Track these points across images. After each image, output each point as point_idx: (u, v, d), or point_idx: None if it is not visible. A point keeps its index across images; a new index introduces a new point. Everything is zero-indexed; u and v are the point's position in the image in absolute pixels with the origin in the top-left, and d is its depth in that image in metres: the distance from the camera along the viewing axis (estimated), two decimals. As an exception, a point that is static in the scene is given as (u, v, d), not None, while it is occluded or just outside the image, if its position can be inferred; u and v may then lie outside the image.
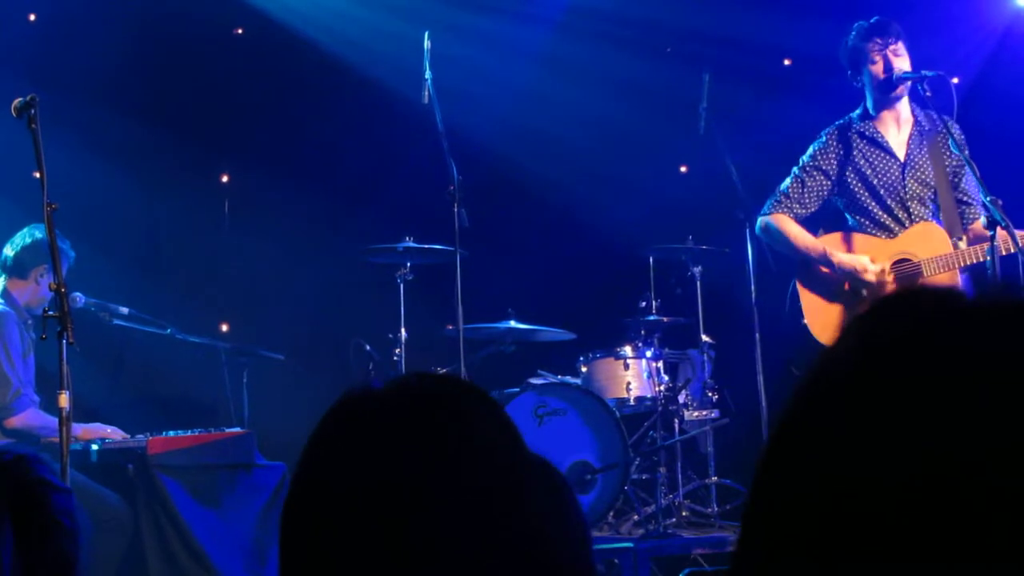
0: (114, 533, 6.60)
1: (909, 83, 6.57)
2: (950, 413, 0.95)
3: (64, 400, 5.05)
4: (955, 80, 6.57)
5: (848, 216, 6.83)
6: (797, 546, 0.99)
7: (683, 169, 10.21)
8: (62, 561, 2.14)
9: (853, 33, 6.68)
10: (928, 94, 6.43)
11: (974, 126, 6.89)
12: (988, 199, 5.98)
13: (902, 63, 6.56)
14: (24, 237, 7.05)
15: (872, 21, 6.64)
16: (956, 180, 6.73)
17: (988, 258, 6.01)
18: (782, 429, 1.05)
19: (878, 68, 6.58)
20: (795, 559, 0.99)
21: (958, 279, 6.40)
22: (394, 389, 1.66)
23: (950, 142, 6.48)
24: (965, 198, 6.71)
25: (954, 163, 6.70)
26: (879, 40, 6.57)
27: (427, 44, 7.24)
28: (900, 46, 6.57)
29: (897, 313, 1.04)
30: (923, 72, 6.48)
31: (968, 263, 6.38)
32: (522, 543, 1.55)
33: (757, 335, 7.30)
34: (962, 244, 6.47)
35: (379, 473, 1.56)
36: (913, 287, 1.07)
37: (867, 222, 6.71)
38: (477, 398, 1.67)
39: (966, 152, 6.40)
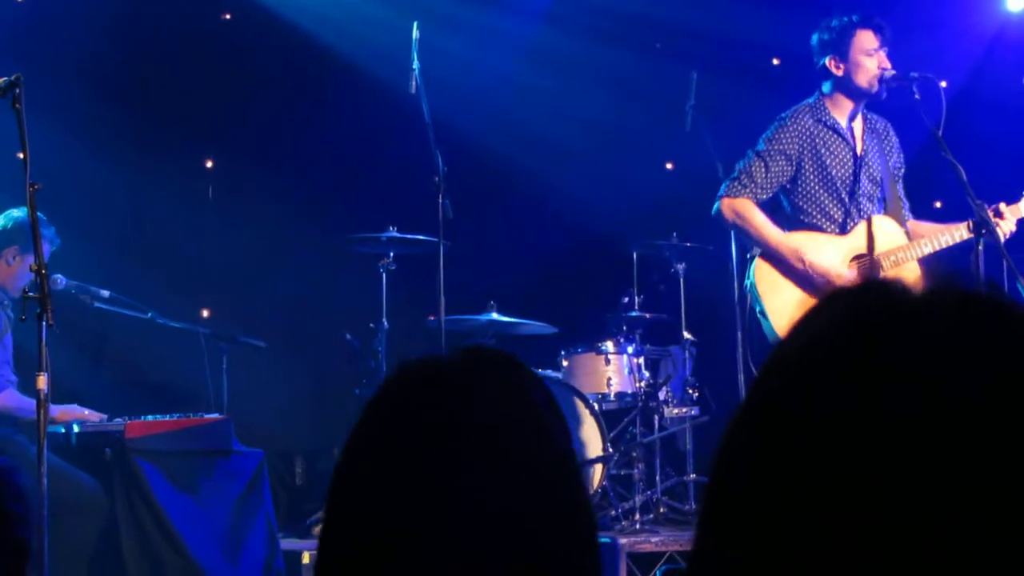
0: (89, 517, 6.58)
1: (896, 84, 6.54)
2: (894, 423, 0.94)
3: (42, 382, 5.03)
4: (943, 84, 6.56)
5: (787, 204, 6.68)
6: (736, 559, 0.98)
7: (669, 166, 10.20)
8: (15, 548, 2.12)
9: (853, 17, 6.55)
10: (917, 96, 6.40)
11: (961, 130, 6.89)
12: (977, 203, 5.99)
13: (887, 65, 6.55)
14: (-1, 219, 7.05)
15: (872, 15, 6.57)
16: (895, 182, 6.75)
17: (972, 267, 6.02)
18: (733, 430, 1.04)
19: (872, 63, 6.51)
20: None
21: (919, 271, 6.39)
22: (461, 367, 1.63)
23: (896, 148, 6.55)
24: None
25: (895, 164, 6.72)
26: (880, 36, 6.51)
27: (415, 34, 7.23)
28: (886, 49, 6.56)
29: (842, 313, 1.03)
30: (912, 74, 6.46)
31: (924, 255, 6.37)
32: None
33: (739, 333, 7.28)
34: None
35: (432, 458, 1.54)
36: (861, 284, 1.06)
37: (815, 212, 6.57)
38: (542, 392, 1.64)
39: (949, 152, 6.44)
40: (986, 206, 6.06)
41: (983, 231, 6.00)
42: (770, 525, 0.96)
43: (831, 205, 6.57)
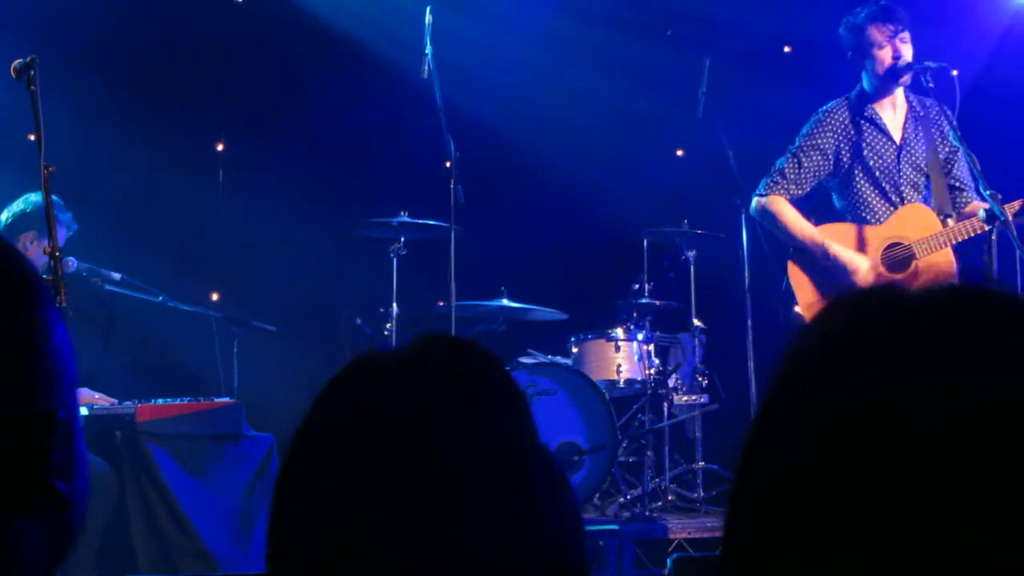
0: (99, 499, 6.58)
1: (911, 72, 6.54)
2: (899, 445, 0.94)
3: (53, 364, 5.03)
4: (955, 72, 6.55)
5: (836, 198, 6.77)
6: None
7: (680, 153, 10.19)
8: (67, 527, 2.12)
9: (862, 14, 6.60)
10: (930, 85, 6.41)
11: (974, 120, 6.87)
12: (988, 193, 5.97)
13: (907, 51, 6.54)
14: (18, 203, 7.06)
15: (882, 4, 6.59)
16: (949, 167, 6.72)
17: (985, 257, 5.99)
18: (754, 430, 1.05)
19: (885, 55, 6.54)
20: None
21: (951, 257, 6.38)
22: (412, 364, 1.59)
23: (948, 132, 6.48)
24: (958, 184, 6.69)
25: (948, 149, 6.69)
26: (890, 27, 6.53)
27: (428, 18, 7.22)
28: (906, 34, 6.55)
29: (842, 319, 1.04)
30: (927, 63, 6.46)
31: (959, 240, 6.35)
32: (521, 540, 1.49)
33: (749, 321, 7.29)
34: (951, 222, 6.44)
35: (385, 452, 1.49)
36: (864, 290, 1.07)
37: (859, 205, 6.63)
38: (497, 382, 1.60)
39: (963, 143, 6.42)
40: (1000, 196, 6.03)
41: (996, 222, 5.97)
42: (804, 521, 0.96)
43: (872, 197, 6.61)
